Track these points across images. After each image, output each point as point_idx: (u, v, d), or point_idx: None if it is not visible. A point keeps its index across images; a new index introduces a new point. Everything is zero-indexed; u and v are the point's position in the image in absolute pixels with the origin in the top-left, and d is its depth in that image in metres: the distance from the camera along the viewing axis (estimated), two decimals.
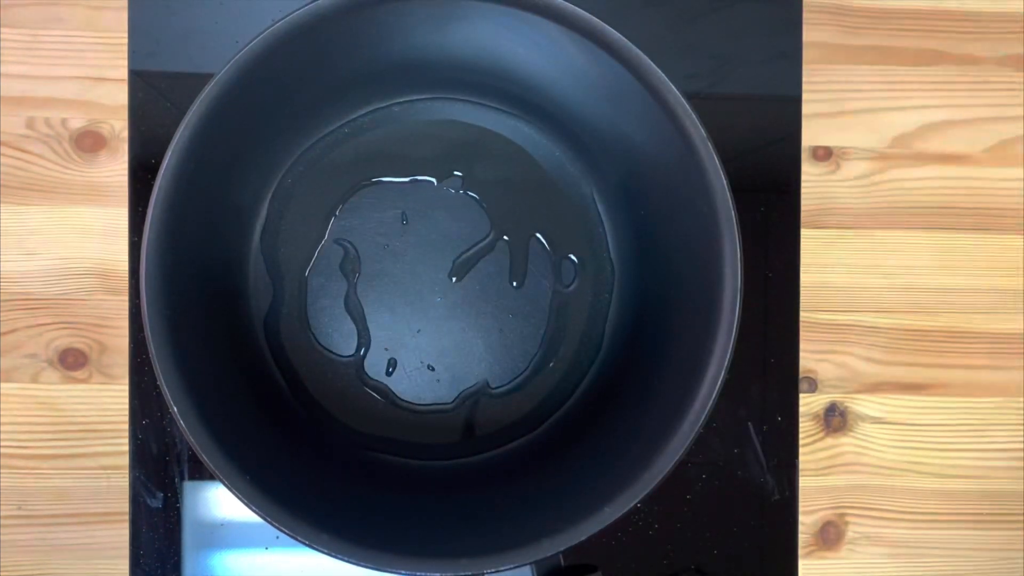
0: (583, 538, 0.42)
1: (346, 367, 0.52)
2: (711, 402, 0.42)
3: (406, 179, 0.52)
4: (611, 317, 0.53)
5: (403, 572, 0.41)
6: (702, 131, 0.42)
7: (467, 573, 0.42)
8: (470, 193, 0.53)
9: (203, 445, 0.41)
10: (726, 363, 0.42)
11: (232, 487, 0.41)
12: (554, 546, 0.42)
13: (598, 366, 0.53)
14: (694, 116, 0.43)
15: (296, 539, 0.41)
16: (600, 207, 0.53)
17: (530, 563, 0.42)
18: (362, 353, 0.52)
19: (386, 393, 0.52)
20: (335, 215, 0.52)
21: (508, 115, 0.53)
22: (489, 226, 0.53)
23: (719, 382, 0.42)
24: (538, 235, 0.53)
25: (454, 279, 0.52)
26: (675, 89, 0.43)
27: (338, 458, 0.51)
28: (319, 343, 0.52)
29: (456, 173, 0.52)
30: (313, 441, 0.51)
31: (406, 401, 0.52)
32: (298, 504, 0.42)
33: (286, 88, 0.46)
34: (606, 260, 0.53)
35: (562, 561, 0.44)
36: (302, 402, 0.52)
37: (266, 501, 0.41)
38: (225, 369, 0.47)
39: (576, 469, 0.48)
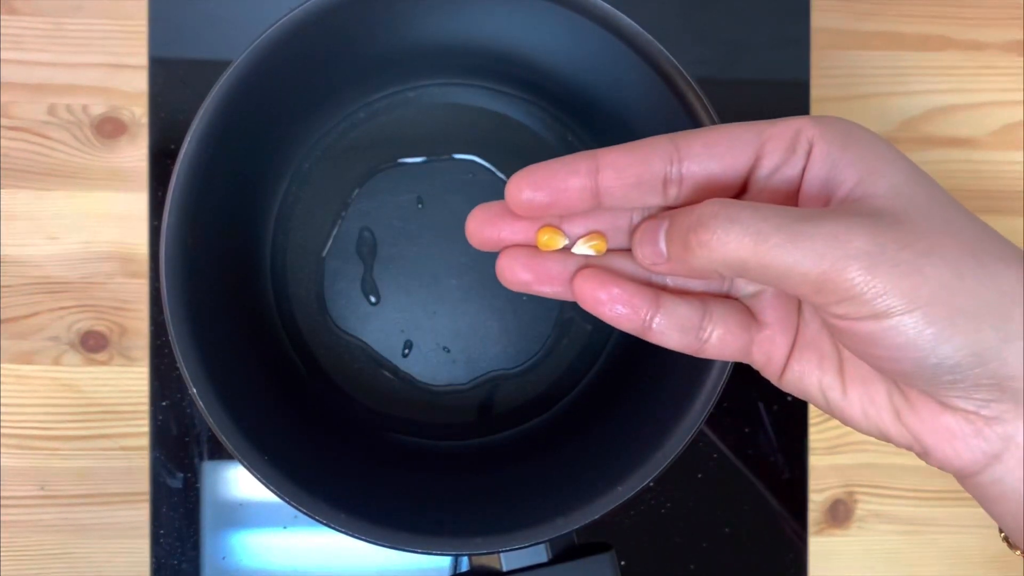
0: (596, 516, 0.42)
1: (363, 349, 0.52)
2: (722, 382, 0.42)
3: (422, 161, 0.53)
4: None
5: (419, 550, 0.41)
6: (713, 116, 0.42)
7: (482, 551, 0.42)
8: (484, 177, 0.53)
9: (222, 426, 0.41)
10: None
11: (250, 467, 0.41)
12: (568, 524, 0.42)
13: (611, 347, 0.53)
14: (705, 100, 0.43)
15: (313, 518, 0.41)
16: None
17: (544, 541, 0.42)
18: (379, 335, 0.53)
19: (402, 374, 0.53)
20: (351, 199, 0.52)
21: (521, 100, 0.53)
22: None
23: (730, 363, 0.42)
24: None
25: None
26: (685, 73, 0.43)
27: (355, 439, 0.51)
28: (336, 325, 0.52)
29: (471, 157, 0.53)
30: (330, 422, 0.52)
31: (422, 382, 0.53)
32: (315, 484, 0.42)
33: (303, 74, 0.47)
34: None
35: (576, 539, 0.44)
36: (319, 383, 0.52)
37: (284, 481, 0.42)
38: (243, 351, 0.48)
39: (590, 448, 0.48)
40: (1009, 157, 0.59)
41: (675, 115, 0.44)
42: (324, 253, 0.52)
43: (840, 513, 0.58)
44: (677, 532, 0.56)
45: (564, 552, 0.44)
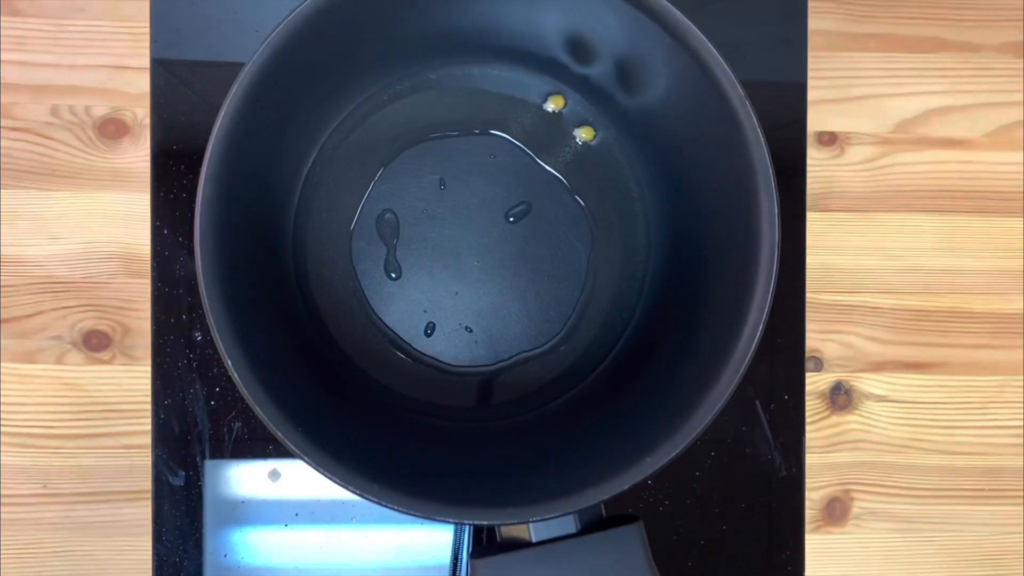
0: (626, 487, 0.41)
1: (386, 329, 0.53)
2: (750, 354, 0.42)
3: (446, 139, 0.53)
4: (647, 276, 0.53)
5: (451, 520, 0.41)
6: (739, 89, 0.42)
7: (512, 521, 0.42)
8: (506, 158, 0.53)
9: (256, 397, 0.41)
10: (765, 314, 0.42)
11: (286, 438, 0.41)
12: (598, 495, 0.41)
13: (635, 323, 0.53)
14: (732, 75, 0.42)
15: (347, 488, 0.41)
16: (634, 169, 0.53)
17: (574, 512, 0.42)
18: (402, 316, 0.53)
19: (426, 355, 0.53)
20: (374, 180, 0.53)
21: (542, 81, 0.53)
22: (525, 190, 0.53)
23: (758, 335, 0.42)
24: (576, 197, 0.53)
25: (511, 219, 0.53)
26: (714, 49, 0.42)
27: (383, 416, 0.52)
28: (359, 305, 0.53)
29: (493, 131, 0.53)
30: (359, 401, 0.52)
31: (445, 362, 0.53)
32: (348, 457, 0.42)
33: (331, 53, 0.47)
34: (639, 223, 0.54)
35: (603, 512, 0.45)
36: (345, 364, 0.52)
37: (318, 452, 0.41)
38: (272, 329, 0.48)
39: (618, 422, 0.48)
40: (1005, 158, 0.59)
41: (701, 90, 0.43)
42: (346, 234, 0.53)
43: (837, 511, 0.58)
44: (674, 530, 0.57)
45: (592, 524, 0.44)
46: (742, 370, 0.42)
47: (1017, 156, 0.59)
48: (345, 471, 0.41)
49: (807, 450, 0.57)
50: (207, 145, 0.41)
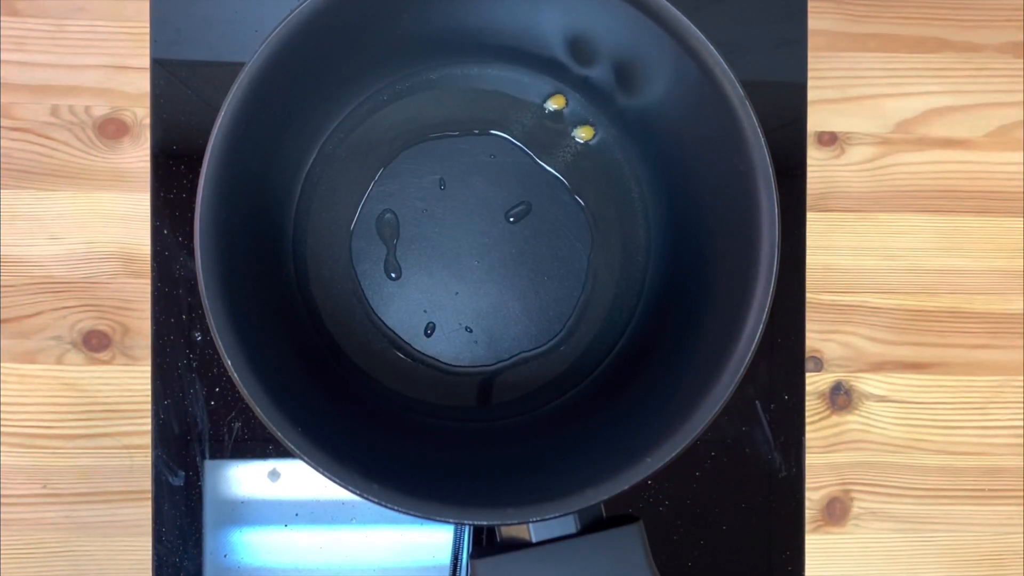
0: (626, 487, 0.41)
1: (386, 330, 0.53)
2: (750, 354, 0.42)
3: (445, 139, 0.53)
4: (647, 276, 0.53)
5: (451, 520, 0.41)
6: (739, 89, 0.42)
7: (512, 521, 0.42)
8: (506, 158, 0.53)
9: (256, 397, 0.41)
10: (765, 315, 0.42)
11: (286, 438, 0.41)
12: (597, 495, 0.41)
13: (635, 323, 0.53)
14: (732, 75, 0.42)
15: (347, 488, 0.41)
16: (634, 169, 0.53)
17: (574, 512, 0.42)
18: (402, 316, 0.53)
19: (426, 355, 0.53)
20: (374, 180, 0.53)
21: (542, 80, 0.53)
22: (525, 190, 0.53)
23: (758, 335, 0.42)
24: (576, 197, 0.53)
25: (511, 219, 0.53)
26: (714, 50, 0.42)
27: (381, 417, 0.52)
28: (359, 306, 0.53)
29: (493, 131, 0.53)
30: (356, 401, 0.52)
31: (445, 363, 0.53)
32: (348, 457, 0.42)
33: (331, 53, 0.47)
34: (639, 223, 0.54)
35: (603, 512, 0.45)
36: (344, 365, 0.52)
37: (317, 452, 0.41)
38: (272, 329, 0.48)
39: (618, 422, 0.48)
40: (1005, 158, 0.59)
41: (701, 91, 0.43)
42: (346, 234, 0.53)
43: (836, 511, 0.58)
44: (675, 530, 0.57)
45: (592, 524, 0.44)
46: (742, 370, 0.42)
47: (1017, 156, 0.59)
48: (345, 471, 0.41)
49: (807, 450, 0.57)
50: (207, 145, 0.41)
